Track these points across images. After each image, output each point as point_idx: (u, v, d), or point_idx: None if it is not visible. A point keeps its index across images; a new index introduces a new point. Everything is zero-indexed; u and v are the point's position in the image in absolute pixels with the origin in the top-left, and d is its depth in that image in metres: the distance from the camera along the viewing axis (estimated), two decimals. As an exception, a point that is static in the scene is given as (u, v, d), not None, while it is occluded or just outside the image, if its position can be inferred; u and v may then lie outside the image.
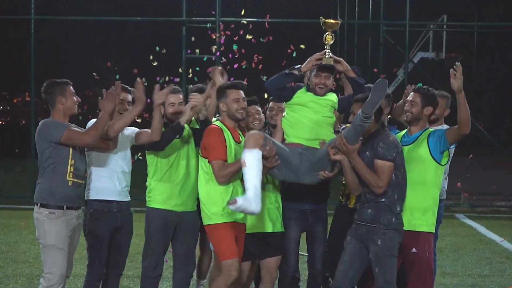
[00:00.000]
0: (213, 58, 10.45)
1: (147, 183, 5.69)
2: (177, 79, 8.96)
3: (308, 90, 5.58)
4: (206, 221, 5.30)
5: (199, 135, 5.55)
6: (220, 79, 5.60)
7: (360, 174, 5.00)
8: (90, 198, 5.54)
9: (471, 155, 12.54)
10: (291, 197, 5.69)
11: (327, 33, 5.51)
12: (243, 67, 9.11)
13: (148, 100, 5.51)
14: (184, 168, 5.62)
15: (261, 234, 5.54)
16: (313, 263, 5.86)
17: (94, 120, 5.47)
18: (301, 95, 5.55)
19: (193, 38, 11.92)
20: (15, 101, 34.67)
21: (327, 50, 5.48)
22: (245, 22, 11.47)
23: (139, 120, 5.55)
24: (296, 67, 5.51)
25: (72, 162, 5.21)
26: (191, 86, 6.61)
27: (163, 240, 5.62)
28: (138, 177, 6.57)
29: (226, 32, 10.64)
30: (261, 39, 9.92)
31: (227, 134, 5.28)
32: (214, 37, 12.11)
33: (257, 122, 5.66)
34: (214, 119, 5.74)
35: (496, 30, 19.79)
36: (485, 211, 13.75)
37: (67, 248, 5.21)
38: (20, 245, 9.30)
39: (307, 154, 5.29)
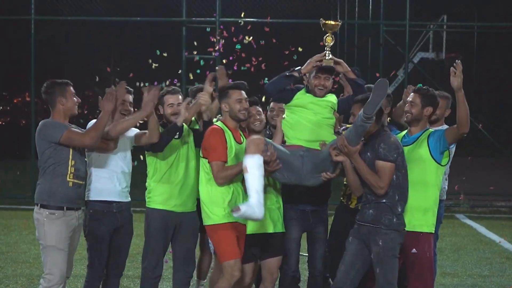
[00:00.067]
0: (210, 62, 10.46)
1: (146, 184, 5.69)
2: (176, 81, 8.96)
3: (308, 91, 5.58)
4: (207, 221, 5.30)
5: (199, 136, 5.56)
6: (225, 80, 5.62)
7: (362, 175, 5.00)
8: (90, 198, 5.54)
9: (470, 157, 12.54)
10: (292, 197, 5.69)
11: (327, 34, 5.50)
12: (242, 68, 9.12)
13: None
14: (184, 168, 5.62)
15: (262, 235, 5.54)
16: (313, 264, 5.86)
17: (94, 120, 5.46)
18: (301, 97, 5.55)
19: (195, 43, 11.93)
20: (15, 101, 34.67)
21: (327, 52, 5.48)
22: (242, 22, 11.48)
23: (141, 121, 5.54)
24: (296, 69, 5.51)
25: (73, 162, 5.21)
26: (191, 86, 6.62)
27: (163, 241, 5.62)
28: (138, 177, 6.56)
29: (225, 34, 10.63)
30: (261, 41, 9.91)
31: (228, 135, 5.27)
32: (214, 40, 12.10)
33: (258, 123, 5.66)
34: (214, 119, 5.75)
35: (496, 31, 19.79)
36: (485, 211, 13.76)
37: (67, 248, 5.21)
38: (20, 245, 9.30)
39: (308, 156, 5.29)
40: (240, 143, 5.34)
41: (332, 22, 5.51)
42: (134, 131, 5.67)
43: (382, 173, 4.94)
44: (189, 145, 5.69)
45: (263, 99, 5.80)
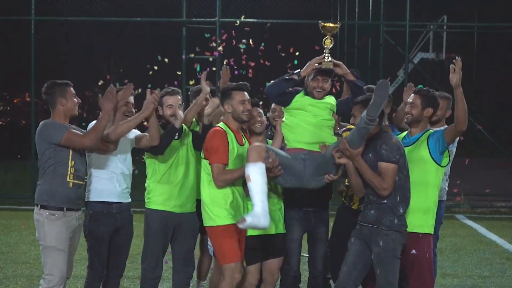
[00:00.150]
0: (208, 70, 10.50)
1: (146, 185, 5.68)
2: (176, 83, 9.00)
3: (306, 94, 5.58)
4: (208, 223, 5.28)
5: (198, 139, 5.56)
6: (227, 81, 5.63)
7: (365, 177, 5.00)
8: (90, 199, 5.54)
9: (468, 159, 12.54)
10: (293, 198, 5.69)
11: (326, 37, 5.50)
12: (242, 72, 9.12)
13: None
14: (184, 169, 5.61)
15: (263, 236, 5.53)
16: (314, 264, 5.86)
17: (94, 122, 5.46)
18: (300, 100, 5.55)
19: (197, 48, 11.94)
20: (15, 101, 34.69)
21: (327, 54, 5.47)
22: (238, 23, 11.47)
23: (145, 123, 5.55)
24: (296, 72, 5.51)
25: (72, 163, 5.21)
26: (192, 87, 6.62)
27: (162, 242, 5.61)
28: (138, 178, 6.56)
29: (224, 37, 10.65)
30: (262, 43, 9.92)
31: (231, 137, 5.26)
32: (214, 44, 12.12)
33: (259, 124, 5.65)
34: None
35: (496, 31, 19.79)
36: (485, 212, 13.75)
37: (67, 249, 5.21)
38: (21, 246, 9.29)
39: (310, 159, 5.28)
40: (242, 144, 5.33)
41: (331, 24, 5.50)
42: (134, 133, 5.67)
43: (385, 174, 4.94)
44: (189, 146, 5.68)
45: (260, 103, 5.79)
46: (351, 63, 16.28)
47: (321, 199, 5.80)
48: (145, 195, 5.67)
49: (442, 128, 5.41)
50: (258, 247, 5.52)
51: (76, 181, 5.23)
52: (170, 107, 5.59)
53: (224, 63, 9.71)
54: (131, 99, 5.68)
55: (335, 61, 5.51)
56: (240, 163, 5.25)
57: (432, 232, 5.21)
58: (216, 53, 12.30)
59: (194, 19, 13.95)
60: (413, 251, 5.08)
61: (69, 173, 5.19)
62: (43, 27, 18.46)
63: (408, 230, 5.07)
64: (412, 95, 5.27)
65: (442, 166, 5.19)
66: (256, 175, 4.98)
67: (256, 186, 4.98)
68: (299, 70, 5.50)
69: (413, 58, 18.16)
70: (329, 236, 6.01)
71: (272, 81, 5.63)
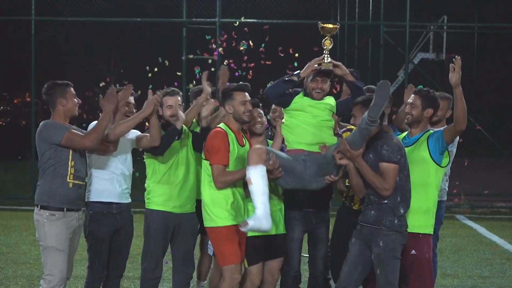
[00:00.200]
0: (206, 73, 10.52)
1: (145, 185, 5.68)
2: (176, 84, 9.00)
3: (306, 95, 5.58)
4: (209, 223, 5.27)
5: (198, 140, 5.56)
6: (226, 80, 5.62)
7: (366, 178, 4.99)
8: (91, 200, 5.54)
9: (467, 161, 12.54)
10: (294, 198, 5.68)
11: (325, 38, 5.50)
12: (242, 73, 9.13)
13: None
14: (183, 170, 5.61)
15: (264, 237, 5.53)
16: (314, 264, 5.86)
17: (95, 122, 5.45)
18: (299, 101, 5.55)
19: (198, 52, 11.94)
20: (15, 101, 34.69)
21: (326, 55, 5.47)
22: (237, 23, 11.47)
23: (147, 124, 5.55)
24: (295, 73, 5.50)
25: (72, 163, 5.20)
26: (192, 87, 6.61)
27: (162, 242, 5.61)
28: (138, 178, 6.56)
29: (224, 38, 10.66)
30: (263, 44, 9.93)
31: (231, 137, 5.26)
32: (214, 46, 12.11)
33: (259, 125, 5.65)
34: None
35: (497, 31, 19.79)
36: (485, 212, 13.75)
37: (68, 249, 5.20)
38: (21, 246, 9.30)
39: (310, 160, 5.28)
40: (243, 145, 5.33)
41: (330, 25, 5.49)
42: (135, 133, 5.67)
43: (386, 175, 4.94)
44: (189, 147, 5.68)
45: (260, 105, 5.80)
46: (351, 64, 16.29)
47: (322, 199, 5.80)
48: (145, 196, 5.67)
49: (442, 128, 5.41)
50: (259, 247, 5.52)
51: (76, 182, 5.23)
52: (170, 108, 5.59)
53: (225, 63, 9.73)
54: (132, 99, 5.69)
55: (334, 62, 5.51)
56: (240, 164, 5.25)
57: (432, 233, 5.21)
58: (216, 53, 12.29)
59: (194, 19, 13.95)
60: (413, 252, 5.08)
61: (69, 173, 5.19)
62: (43, 28, 18.44)
63: (408, 230, 5.07)
64: (412, 95, 5.26)
65: (442, 167, 5.19)
66: (257, 178, 4.99)
67: (257, 189, 4.99)
68: (298, 71, 5.51)
69: (413, 58, 18.16)
70: (330, 236, 6.01)
71: (271, 83, 5.63)
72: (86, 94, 29.24)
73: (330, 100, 5.62)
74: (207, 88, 5.70)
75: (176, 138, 5.54)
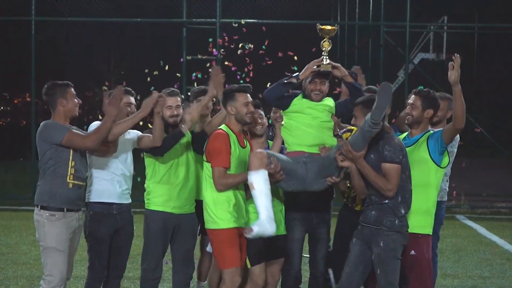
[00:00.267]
0: (207, 77, 10.55)
1: (145, 185, 5.68)
2: (177, 85, 9.01)
3: (304, 96, 5.58)
4: (210, 225, 5.25)
5: (196, 141, 5.55)
6: (221, 79, 5.61)
7: (369, 179, 4.99)
8: (91, 200, 5.54)
9: (464, 162, 12.55)
10: (295, 199, 5.68)
11: (324, 39, 5.49)
12: (242, 75, 9.13)
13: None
14: (184, 170, 5.61)
15: (265, 238, 5.52)
16: (315, 264, 5.86)
17: (96, 122, 5.45)
18: (298, 103, 5.55)
19: (199, 55, 11.94)
20: (15, 101, 34.72)
21: (325, 57, 5.47)
22: (236, 24, 11.47)
23: (141, 123, 5.54)
24: (294, 75, 5.50)
25: (73, 164, 5.20)
26: (192, 88, 6.61)
27: (162, 242, 5.61)
28: (138, 178, 6.56)
29: (225, 39, 10.66)
30: (263, 46, 9.93)
31: (233, 139, 5.24)
32: (214, 49, 12.11)
33: (260, 126, 5.65)
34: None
35: (497, 31, 19.79)
36: (485, 212, 13.75)
37: (68, 250, 5.20)
38: (21, 246, 9.29)
39: (311, 162, 5.27)
40: (244, 147, 5.32)
41: (329, 27, 5.49)
42: (136, 133, 5.66)
43: (389, 175, 4.93)
44: (189, 148, 5.68)
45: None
46: (352, 64, 16.25)
47: (323, 200, 5.80)
48: (144, 196, 5.67)
49: (441, 128, 5.41)
50: (261, 247, 5.51)
51: (76, 182, 5.23)
52: (170, 108, 5.58)
53: (225, 64, 9.73)
54: (131, 99, 5.68)
55: (333, 63, 5.51)
56: (241, 165, 5.24)
57: (431, 233, 5.20)
58: (215, 53, 12.29)
59: (194, 19, 13.95)
60: (412, 252, 5.08)
61: (69, 173, 5.19)
62: (43, 28, 18.46)
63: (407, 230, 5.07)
64: (413, 96, 5.26)
65: (441, 167, 5.18)
66: (259, 183, 4.99)
67: (260, 193, 4.99)
68: (297, 73, 5.50)
69: (414, 58, 18.17)
70: (330, 236, 6.01)
71: (270, 85, 5.62)
72: (86, 94, 29.26)
73: (329, 102, 5.62)
74: (212, 89, 5.67)
75: (177, 140, 5.55)
